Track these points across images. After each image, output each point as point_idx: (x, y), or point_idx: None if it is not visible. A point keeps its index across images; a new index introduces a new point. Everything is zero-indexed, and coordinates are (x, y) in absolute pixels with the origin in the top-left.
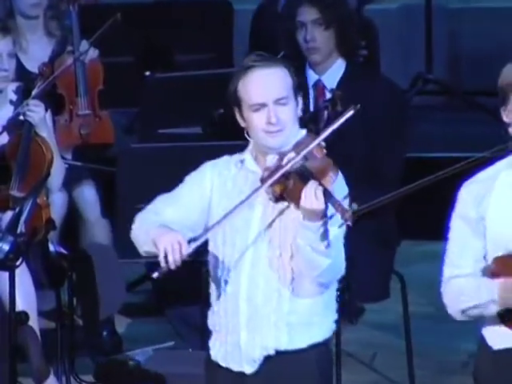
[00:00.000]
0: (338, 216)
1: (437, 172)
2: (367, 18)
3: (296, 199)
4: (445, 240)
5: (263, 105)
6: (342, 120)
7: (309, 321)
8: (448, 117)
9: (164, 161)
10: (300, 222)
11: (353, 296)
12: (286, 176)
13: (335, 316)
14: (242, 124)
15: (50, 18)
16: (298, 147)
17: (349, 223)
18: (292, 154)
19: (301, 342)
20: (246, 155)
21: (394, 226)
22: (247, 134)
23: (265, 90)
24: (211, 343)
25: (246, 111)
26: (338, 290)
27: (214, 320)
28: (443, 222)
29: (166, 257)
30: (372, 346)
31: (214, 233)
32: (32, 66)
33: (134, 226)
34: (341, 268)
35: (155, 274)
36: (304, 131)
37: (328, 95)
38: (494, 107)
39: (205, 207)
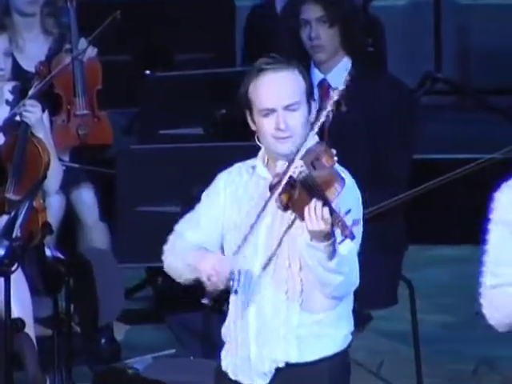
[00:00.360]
0: (339, 232)
1: (446, 174)
2: (373, 14)
3: (300, 211)
4: (455, 244)
5: (272, 110)
6: (329, 108)
7: (320, 333)
8: (458, 117)
9: (164, 162)
10: (307, 242)
11: (359, 303)
12: (291, 185)
13: (351, 327)
14: (253, 127)
15: (46, 16)
16: (307, 154)
17: (349, 240)
18: (300, 162)
19: (311, 354)
20: (258, 161)
21: (402, 230)
22: (257, 138)
23: (275, 95)
24: (223, 354)
25: (256, 115)
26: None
27: (225, 332)
28: (452, 226)
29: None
30: (379, 354)
31: (228, 245)
32: (28, 64)
33: (165, 257)
34: (355, 282)
35: (206, 301)
36: (316, 137)
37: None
38: (506, 106)
39: (222, 220)
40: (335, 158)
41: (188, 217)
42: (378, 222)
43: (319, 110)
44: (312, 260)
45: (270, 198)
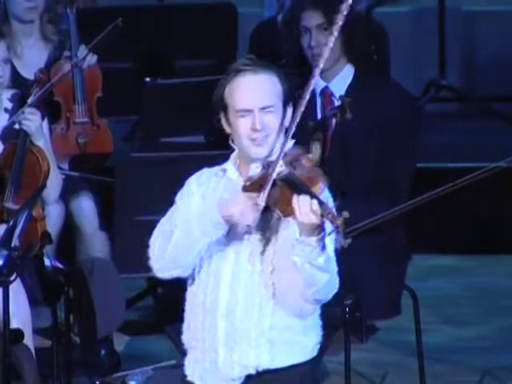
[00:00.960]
0: (328, 224)
1: (450, 183)
2: (377, 21)
3: (285, 207)
4: (459, 254)
5: (249, 111)
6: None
7: (290, 339)
8: (462, 125)
9: (165, 170)
10: (296, 238)
11: (363, 313)
12: (272, 184)
13: (319, 338)
14: (228, 130)
15: (46, 22)
16: (286, 156)
17: (339, 231)
18: (280, 162)
19: (282, 360)
20: (229, 164)
21: (405, 239)
22: (232, 141)
23: (251, 96)
24: (187, 361)
25: (232, 116)
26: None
27: (189, 335)
28: (456, 235)
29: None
30: (383, 366)
31: None
32: (27, 72)
33: (162, 245)
34: (336, 283)
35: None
36: (292, 142)
37: (336, 102)
38: (510, 114)
39: None
40: (312, 162)
41: (166, 220)
42: (380, 231)
43: (323, 118)
44: (300, 257)
45: (257, 197)
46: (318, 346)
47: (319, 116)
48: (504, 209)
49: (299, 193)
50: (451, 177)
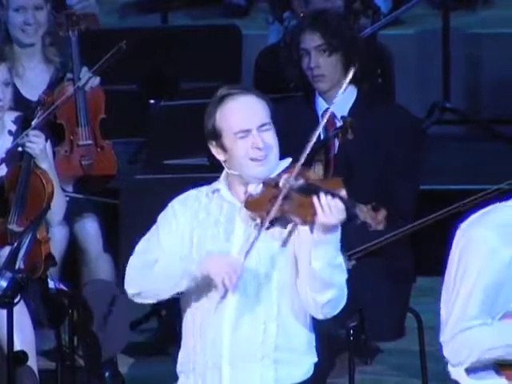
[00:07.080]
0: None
1: (453, 205)
2: (381, 44)
3: (304, 213)
4: None
5: (247, 131)
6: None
7: (293, 359)
8: (466, 147)
9: (169, 193)
10: (314, 240)
11: (367, 335)
12: (286, 196)
13: (315, 356)
14: (221, 157)
15: (48, 45)
16: (287, 172)
17: (380, 228)
18: (286, 175)
19: (286, 380)
20: (221, 185)
21: (410, 262)
22: (226, 167)
23: (247, 115)
24: None
25: (228, 141)
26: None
27: (187, 358)
28: None
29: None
30: None
31: None
32: (29, 93)
33: (141, 279)
34: (345, 295)
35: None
36: (290, 159)
37: (338, 124)
38: None
39: (182, 243)
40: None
41: (147, 245)
42: (384, 253)
43: (325, 139)
44: (320, 260)
45: (262, 223)
46: (313, 365)
47: (321, 137)
48: None
49: (319, 194)
50: (455, 199)
